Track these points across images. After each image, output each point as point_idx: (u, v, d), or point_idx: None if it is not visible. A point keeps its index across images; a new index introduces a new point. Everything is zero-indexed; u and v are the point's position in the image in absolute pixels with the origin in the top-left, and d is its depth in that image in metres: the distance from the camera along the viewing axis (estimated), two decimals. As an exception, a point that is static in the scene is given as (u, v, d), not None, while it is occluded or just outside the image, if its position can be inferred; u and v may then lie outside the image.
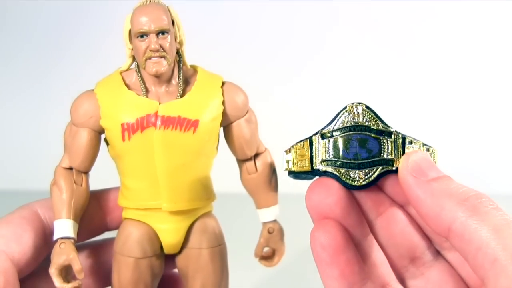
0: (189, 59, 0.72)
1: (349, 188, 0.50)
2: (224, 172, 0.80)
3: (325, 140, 0.51)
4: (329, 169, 0.50)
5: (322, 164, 0.50)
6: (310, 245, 0.49)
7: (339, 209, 0.49)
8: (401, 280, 0.52)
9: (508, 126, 1.71)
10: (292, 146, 0.52)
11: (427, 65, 1.71)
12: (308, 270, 0.51)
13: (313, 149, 0.51)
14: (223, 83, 0.71)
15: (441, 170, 0.48)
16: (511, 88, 1.70)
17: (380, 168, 0.50)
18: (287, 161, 0.53)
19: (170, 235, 0.71)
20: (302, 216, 0.52)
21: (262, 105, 0.79)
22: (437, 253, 0.51)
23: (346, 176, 0.50)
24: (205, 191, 0.72)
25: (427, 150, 0.51)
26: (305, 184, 0.52)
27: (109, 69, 0.72)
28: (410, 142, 0.51)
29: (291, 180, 0.54)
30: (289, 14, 1.71)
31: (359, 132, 0.50)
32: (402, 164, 0.48)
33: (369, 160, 0.50)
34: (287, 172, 0.54)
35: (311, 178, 0.53)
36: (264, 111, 0.80)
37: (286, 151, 0.53)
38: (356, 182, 0.50)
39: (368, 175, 0.50)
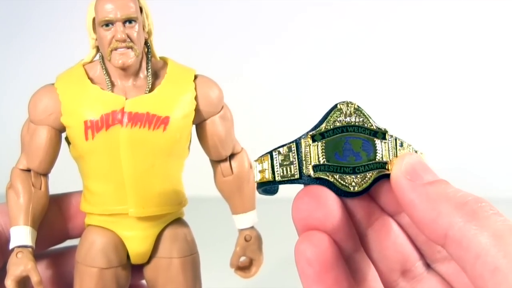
0: (159, 51, 0.71)
1: (344, 195, 0.49)
2: (196, 174, 0.80)
3: (316, 143, 0.49)
4: (322, 175, 0.48)
5: (314, 170, 0.48)
6: (295, 259, 0.47)
7: (330, 223, 0.48)
8: None
9: (507, 128, 1.72)
10: (270, 153, 0.49)
11: (422, 63, 1.72)
12: (289, 283, 0.50)
13: (302, 153, 0.49)
14: (195, 77, 0.71)
15: (437, 174, 0.47)
16: (509, 88, 1.72)
17: (376, 172, 0.49)
18: (262, 171, 0.50)
19: (137, 243, 0.70)
20: (282, 223, 0.51)
21: (238, 101, 0.79)
22: (429, 266, 0.51)
23: (340, 182, 0.48)
24: (176, 195, 0.71)
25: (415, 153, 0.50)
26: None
27: (70, 61, 0.71)
28: (401, 144, 0.50)
29: (258, 192, 0.52)
30: (276, 6, 1.71)
31: (352, 133, 0.49)
32: (396, 166, 0.47)
33: (364, 163, 0.49)
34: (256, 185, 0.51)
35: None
36: (241, 107, 0.80)
37: (258, 160, 0.50)
38: (352, 188, 0.48)
39: (364, 180, 0.49)
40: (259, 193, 0.52)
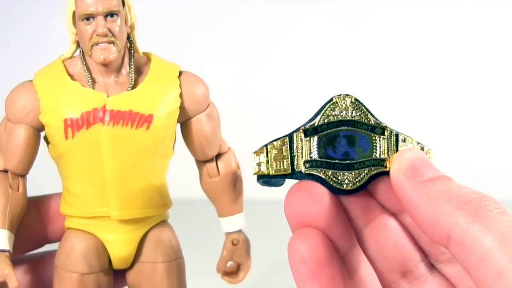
0: (142, 46, 0.71)
1: (337, 193, 0.48)
2: (181, 175, 0.79)
3: (308, 137, 0.48)
4: (314, 171, 0.48)
5: (305, 166, 0.48)
6: (288, 257, 0.47)
7: (323, 219, 0.47)
8: None
9: (507, 128, 1.72)
10: (266, 146, 0.49)
11: (422, 61, 1.72)
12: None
13: (294, 148, 0.49)
14: (180, 73, 0.70)
15: (439, 170, 0.46)
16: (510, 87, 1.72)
17: (372, 169, 0.48)
18: (259, 164, 0.50)
19: (120, 248, 0.70)
20: (271, 226, 0.51)
21: (225, 98, 0.79)
22: (432, 266, 0.50)
23: (333, 179, 0.48)
24: (160, 197, 0.71)
25: (422, 149, 0.49)
26: (275, 189, 0.51)
27: (49, 57, 0.70)
28: (404, 140, 0.49)
29: (259, 184, 0.52)
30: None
31: (348, 128, 0.49)
32: (394, 163, 0.46)
33: (360, 160, 0.48)
34: (255, 176, 0.51)
35: (282, 184, 0.52)
36: (229, 105, 0.80)
37: (256, 152, 0.50)
38: (345, 186, 0.48)
39: (359, 178, 0.48)
40: (260, 184, 0.52)
